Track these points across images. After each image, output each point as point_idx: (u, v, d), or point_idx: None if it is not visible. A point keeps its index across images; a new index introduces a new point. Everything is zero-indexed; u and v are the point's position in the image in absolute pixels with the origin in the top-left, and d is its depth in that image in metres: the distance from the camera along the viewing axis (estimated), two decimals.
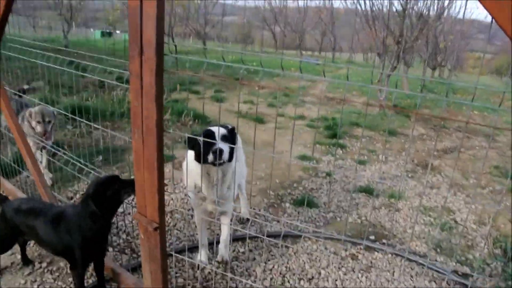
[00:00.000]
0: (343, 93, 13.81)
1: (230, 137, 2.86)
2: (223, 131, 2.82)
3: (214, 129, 2.81)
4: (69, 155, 3.21)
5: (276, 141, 7.14)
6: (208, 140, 2.63)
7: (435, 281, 3.35)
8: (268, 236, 3.76)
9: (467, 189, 5.73)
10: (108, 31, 32.56)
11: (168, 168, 5.09)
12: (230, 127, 2.98)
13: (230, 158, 2.83)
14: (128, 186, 2.55)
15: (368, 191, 5.12)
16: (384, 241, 3.94)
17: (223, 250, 3.39)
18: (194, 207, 3.31)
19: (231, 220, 3.49)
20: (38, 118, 4.09)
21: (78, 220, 2.54)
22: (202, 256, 3.34)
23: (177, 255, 2.98)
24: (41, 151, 4.43)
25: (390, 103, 11.82)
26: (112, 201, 2.56)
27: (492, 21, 1.38)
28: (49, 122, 4.14)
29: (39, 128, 4.09)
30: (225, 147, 2.71)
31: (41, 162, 4.35)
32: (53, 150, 4.05)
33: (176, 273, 3.20)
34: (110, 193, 2.52)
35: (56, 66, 3.00)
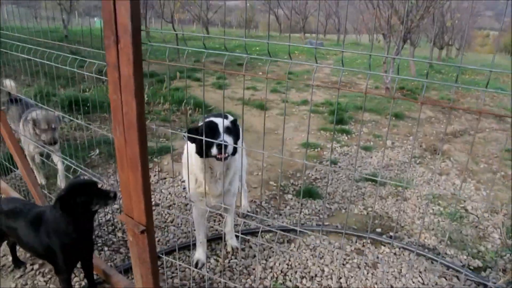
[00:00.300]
0: (348, 77, 13.56)
1: (234, 129, 2.69)
2: (226, 122, 2.63)
3: (217, 120, 2.62)
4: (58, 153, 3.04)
5: (280, 128, 6.94)
6: (210, 133, 2.49)
7: (445, 277, 3.17)
8: (268, 231, 3.61)
9: (477, 175, 5.51)
10: None
11: (166, 160, 4.91)
12: (231, 118, 2.80)
13: (234, 152, 2.70)
14: (102, 197, 2.38)
15: (374, 179, 4.92)
16: (391, 233, 3.76)
17: (230, 240, 3.36)
18: (193, 203, 3.16)
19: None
20: (43, 126, 3.81)
21: (54, 222, 2.38)
22: (199, 254, 3.19)
23: (167, 258, 2.82)
24: (41, 155, 4.21)
25: (396, 86, 11.55)
26: (82, 208, 2.38)
27: None
28: (55, 129, 3.87)
29: (44, 137, 3.82)
30: (229, 140, 2.56)
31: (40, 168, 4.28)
32: (59, 156, 3.93)
33: (173, 272, 3.05)
34: (81, 200, 2.34)
35: (49, 63, 2.81)
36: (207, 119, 2.67)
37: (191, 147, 2.78)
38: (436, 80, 14.79)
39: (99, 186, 2.46)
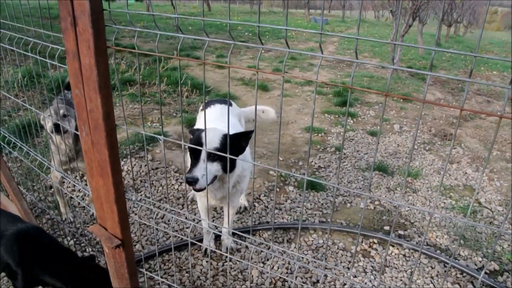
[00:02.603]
0: (354, 55, 13.13)
1: (236, 142, 2.25)
2: (216, 140, 2.24)
3: (204, 137, 2.27)
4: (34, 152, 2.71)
5: (282, 109, 6.59)
6: (196, 148, 2.18)
7: (459, 284, 2.89)
8: (266, 229, 3.32)
9: (490, 163, 5.18)
10: None
11: (159, 148, 4.60)
12: (221, 131, 2.34)
13: (232, 168, 2.35)
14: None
15: (381, 168, 4.61)
16: (400, 232, 3.47)
17: (226, 240, 3.11)
18: (196, 197, 2.89)
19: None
20: (50, 111, 2.83)
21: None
22: (207, 241, 3.02)
23: (148, 273, 2.54)
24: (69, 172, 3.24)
25: (404, 66, 11.15)
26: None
27: None
28: (65, 116, 2.87)
29: (49, 125, 2.78)
30: (211, 168, 2.20)
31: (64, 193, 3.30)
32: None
33: (161, 277, 2.77)
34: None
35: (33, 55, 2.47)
36: (197, 132, 2.37)
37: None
38: (444, 58, 14.33)
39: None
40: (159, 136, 1.73)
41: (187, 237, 2.11)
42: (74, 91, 1.61)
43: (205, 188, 2.23)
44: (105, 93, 1.53)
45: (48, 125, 2.78)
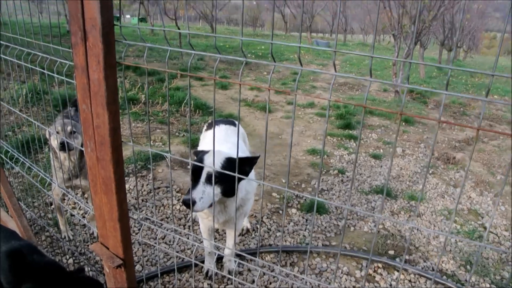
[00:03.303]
0: (355, 79, 13.17)
1: (240, 166, 2.19)
2: (218, 162, 2.22)
3: (206, 158, 2.25)
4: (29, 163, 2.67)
5: (284, 132, 6.59)
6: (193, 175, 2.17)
7: None
8: (269, 252, 3.26)
9: (494, 187, 5.14)
10: (142, 17, 32.29)
11: (161, 168, 4.56)
12: (224, 154, 2.32)
13: (231, 193, 2.27)
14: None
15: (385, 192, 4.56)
16: (405, 256, 3.40)
17: (228, 262, 3.02)
18: (199, 218, 2.84)
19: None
20: (58, 128, 2.78)
21: None
22: (208, 263, 2.94)
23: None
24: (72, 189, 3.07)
25: (406, 89, 11.18)
26: None
27: None
28: (72, 133, 2.84)
29: (55, 141, 2.75)
30: (209, 190, 2.14)
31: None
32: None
33: None
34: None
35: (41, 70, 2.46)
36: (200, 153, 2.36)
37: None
38: (445, 82, 14.38)
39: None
40: (165, 154, 1.71)
41: (193, 256, 2.06)
42: (81, 107, 1.59)
43: (203, 210, 2.19)
44: (113, 109, 1.51)
45: (55, 143, 2.75)
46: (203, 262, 3.02)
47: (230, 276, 1.91)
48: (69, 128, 2.81)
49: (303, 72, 13.18)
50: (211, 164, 2.17)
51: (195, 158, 2.38)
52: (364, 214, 4.02)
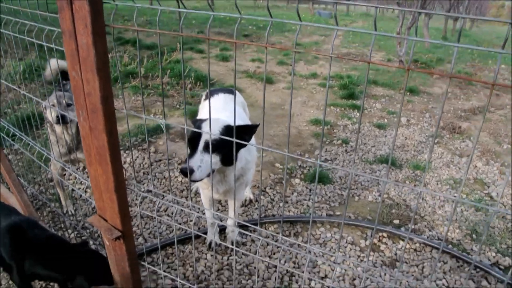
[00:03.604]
0: (359, 49, 12.96)
1: (238, 135, 2.00)
2: (216, 130, 2.14)
3: (204, 125, 2.19)
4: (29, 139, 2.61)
5: (286, 103, 6.49)
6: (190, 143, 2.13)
7: (473, 279, 2.79)
8: (272, 222, 3.23)
9: (500, 157, 5.06)
10: None
11: (162, 140, 4.51)
12: (224, 121, 2.24)
13: (230, 162, 2.19)
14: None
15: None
16: (411, 226, 3.37)
17: (231, 233, 2.99)
18: (199, 189, 2.80)
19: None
20: (52, 101, 2.72)
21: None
22: (211, 234, 2.91)
23: (150, 267, 2.46)
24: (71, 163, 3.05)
25: (410, 58, 10.99)
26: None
27: None
28: (69, 105, 2.75)
29: (53, 113, 2.67)
30: (207, 158, 2.06)
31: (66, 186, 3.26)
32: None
33: (164, 271, 2.68)
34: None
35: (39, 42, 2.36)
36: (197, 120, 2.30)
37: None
38: (450, 51, 14.15)
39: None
40: (161, 121, 1.64)
41: (192, 228, 2.02)
42: (71, 73, 1.52)
43: (202, 179, 2.13)
44: (103, 74, 1.43)
45: (53, 115, 2.69)
46: (205, 233, 2.99)
47: (231, 246, 1.87)
48: (64, 100, 2.73)
49: (305, 43, 12.97)
50: (215, 126, 2.12)
51: (193, 126, 2.31)
52: (370, 179, 3.97)
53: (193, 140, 2.10)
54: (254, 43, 1.22)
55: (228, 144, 1.81)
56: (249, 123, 3.00)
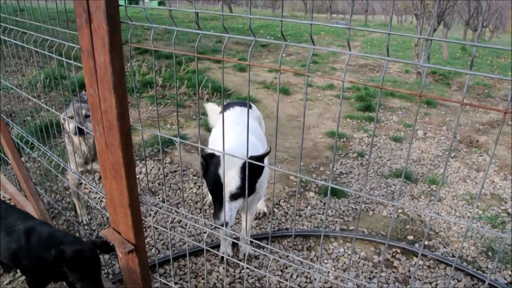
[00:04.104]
0: (376, 60, 12.91)
1: (255, 168, 2.16)
2: (236, 177, 2.14)
3: (223, 174, 2.12)
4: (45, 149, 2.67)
5: (302, 114, 6.48)
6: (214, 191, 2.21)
7: None
8: (286, 236, 3.23)
9: None
10: (160, 0, 32.63)
11: (177, 151, 4.55)
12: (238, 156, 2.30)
13: (251, 192, 2.32)
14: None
15: (405, 175, 4.47)
16: (425, 242, 3.33)
17: (244, 246, 3.00)
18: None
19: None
20: (70, 113, 2.77)
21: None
22: (223, 247, 2.93)
23: (162, 280, 2.48)
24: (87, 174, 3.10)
25: (428, 71, 10.91)
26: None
27: None
28: (87, 116, 2.76)
29: (71, 126, 2.73)
30: (236, 205, 2.20)
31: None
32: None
33: (176, 283, 2.70)
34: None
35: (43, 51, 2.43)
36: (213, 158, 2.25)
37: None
38: (469, 63, 14.01)
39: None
40: (175, 138, 1.67)
41: (204, 242, 2.04)
42: (88, 91, 1.56)
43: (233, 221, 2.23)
44: (120, 92, 1.47)
45: (71, 126, 2.74)
46: (218, 246, 3.00)
47: (242, 263, 1.88)
48: (83, 111, 2.79)
49: (322, 54, 12.97)
50: (230, 183, 2.14)
51: (203, 162, 2.24)
52: (385, 193, 3.95)
53: (217, 191, 2.14)
54: (266, 65, 1.24)
55: (249, 179, 1.85)
56: (264, 138, 3.01)
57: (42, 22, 2.06)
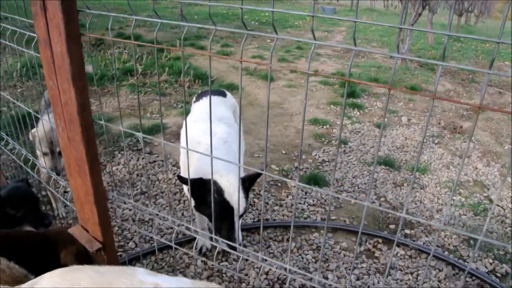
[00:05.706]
0: (361, 45, 12.84)
1: (249, 186, 2.30)
2: (243, 199, 2.20)
3: (231, 199, 2.14)
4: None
5: (286, 101, 6.42)
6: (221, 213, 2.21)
7: None
8: (266, 227, 3.18)
9: (502, 158, 4.99)
10: None
11: (157, 142, 4.46)
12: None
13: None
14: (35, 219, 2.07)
15: (388, 163, 4.44)
16: (407, 231, 3.31)
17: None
18: (196, 212, 2.75)
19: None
20: (44, 148, 2.64)
21: None
22: (202, 239, 2.88)
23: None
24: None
25: (413, 56, 10.90)
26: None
27: None
28: (61, 153, 2.51)
29: (47, 163, 2.69)
30: (239, 223, 2.25)
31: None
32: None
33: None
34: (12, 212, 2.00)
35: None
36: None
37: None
38: (454, 48, 14.03)
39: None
40: (137, 133, 1.58)
41: (173, 240, 1.98)
42: (48, 83, 1.47)
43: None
44: (80, 84, 1.38)
45: (42, 163, 2.65)
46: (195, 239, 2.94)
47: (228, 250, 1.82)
48: (58, 149, 2.62)
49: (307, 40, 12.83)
50: (240, 206, 2.15)
51: (189, 187, 2.03)
52: (367, 181, 3.92)
53: (225, 215, 2.14)
54: (230, 57, 1.16)
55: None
56: (236, 127, 2.89)
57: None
